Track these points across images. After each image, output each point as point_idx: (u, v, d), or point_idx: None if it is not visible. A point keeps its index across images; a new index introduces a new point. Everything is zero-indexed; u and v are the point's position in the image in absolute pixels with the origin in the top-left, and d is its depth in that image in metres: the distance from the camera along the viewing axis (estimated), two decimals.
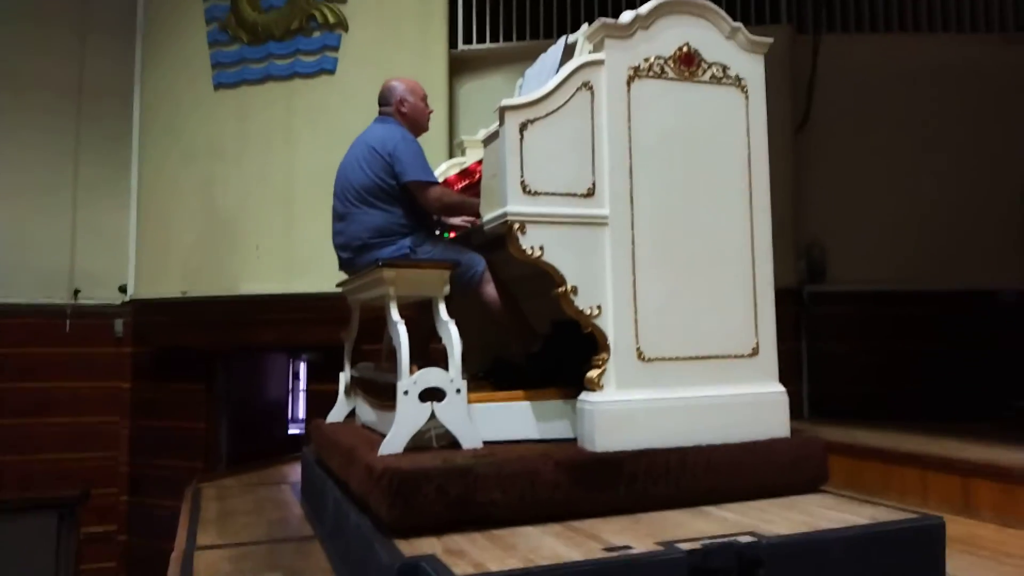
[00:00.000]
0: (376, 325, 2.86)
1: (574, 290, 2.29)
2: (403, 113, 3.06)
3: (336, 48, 5.70)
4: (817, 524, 2.02)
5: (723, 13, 2.55)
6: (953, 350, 5.20)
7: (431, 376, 2.31)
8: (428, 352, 2.91)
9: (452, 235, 3.22)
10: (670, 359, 2.38)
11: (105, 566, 6.33)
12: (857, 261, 5.44)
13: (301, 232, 5.49)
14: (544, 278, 2.33)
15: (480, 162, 2.78)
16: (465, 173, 3.41)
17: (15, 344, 6.38)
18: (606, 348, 2.31)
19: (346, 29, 5.70)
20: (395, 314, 2.47)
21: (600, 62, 2.38)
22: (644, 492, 2.21)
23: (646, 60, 2.43)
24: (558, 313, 2.38)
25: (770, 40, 2.61)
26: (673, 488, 2.24)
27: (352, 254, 2.91)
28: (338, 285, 3.18)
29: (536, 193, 2.28)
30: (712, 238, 2.48)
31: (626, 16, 2.42)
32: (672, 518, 2.13)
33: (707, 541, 1.83)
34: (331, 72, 5.68)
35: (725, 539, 1.85)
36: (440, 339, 2.46)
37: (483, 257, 2.81)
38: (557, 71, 2.54)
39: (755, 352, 2.49)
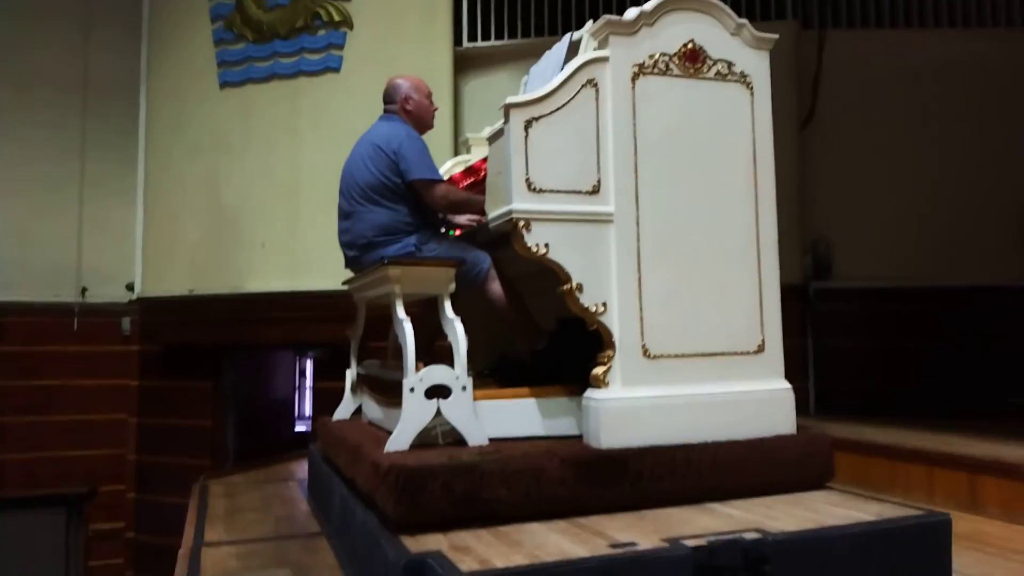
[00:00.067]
0: (382, 323, 2.86)
1: (579, 287, 2.29)
2: (408, 111, 3.06)
3: (341, 46, 5.70)
4: (823, 521, 2.02)
5: (728, 9, 2.55)
6: (957, 346, 5.19)
7: (437, 373, 2.31)
8: (433, 349, 2.92)
9: (457, 233, 3.22)
10: (675, 356, 2.38)
11: (113, 562, 6.36)
12: (862, 257, 5.43)
13: (307, 230, 5.50)
14: (549, 275, 2.33)
15: (485, 159, 2.78)
16: (470, 171, 3.41)
17: (23, 342, 6.42)
18: (611, 345, 2.31)
19: (351, 27, 5.70)
20: (401, 312, 2.48)
21: (605, 59, 2.38)
22: (649, 489, 2.22)
23: (651, 57, 2.43)
24: (563, 310, 2.38)
25: (775, 36, 2.61)
26: (679, 485, 2.25)
27: (358, 252, 2.92)
28: (344, 283, 3.19)
29: (541, 190, 2.29)
30: (717, 235, 2.47)
31: (631, 13, 2.42)
32: (677, 515, 2.14)
33: (712, 538, 1.84)
34: (336, 70, 5.68)
35: (730, 536, 1.86)
36: (446, 336, 2.46)
37: (488, 254, 2.81)
38: (562, 68, 2.54)
39: (761, 349, 2.49)
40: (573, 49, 2.83)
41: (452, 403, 2.31)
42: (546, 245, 2.27)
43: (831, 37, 5.56)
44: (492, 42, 5.85)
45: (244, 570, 2.46)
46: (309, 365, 8.18)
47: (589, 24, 2.66)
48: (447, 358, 2.39)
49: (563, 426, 2.45)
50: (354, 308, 3.29)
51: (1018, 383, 4.96)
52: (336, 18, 5.71)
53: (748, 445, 2.36)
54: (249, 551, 2.67)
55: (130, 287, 6.63)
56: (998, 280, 5.35)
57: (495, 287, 2.79)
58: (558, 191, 2.31)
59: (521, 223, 2.25)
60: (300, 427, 8.17)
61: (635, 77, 2.41)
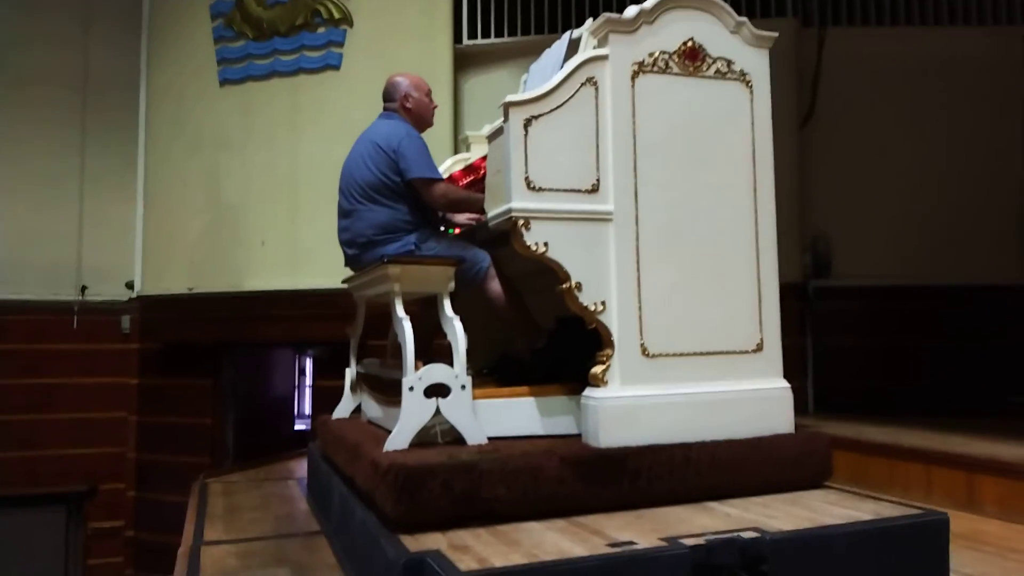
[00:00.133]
0: (382, 321, 2.86)
1: (578, 286, 2.29)
2: (408, 109, 3.06)
3: (341, 44, 5.70)
4: (821, 520, 2.02)
5: (728, 7, 2.55)
6: (957, 345, 5.19)
7: (436, 372, 2.31)
8: (432, 348, 2.92)
9: (457, 231, 3.22)
10: (674, 355, 2.38)
11: (112, 561, 6.37)
12: (862, 255, 5.43)
13: (306, 228, 5.50)
14: (549, 274, 2.33)
15: (485, 158, 2.78)
16: (470, 169, 3.41)
17: (23, 340, 6.43)
18: (610, 344, 2.31)
19: (351, 25, 5.70)
20: (400, 310, 2.48)
21: (604, 57, 2.38)
22: (648, 488, 2.22)
23: (650, 55, 2.43)
24: (563, 309, 2.38)
25: (775, 34, 2.60)
26: (677, 484, 2.25)
27: (358, 251, 2.92)
28: (344, 281, 3.19)
29: (540, 189, 2.29)
30: (716, 233, 2.47)
31: (630, 11, 2.41)
32: (676, 514, 2.14)
33: (711, 537, 1.84)
34: (336, 68, 5.68)
35: (728, 535, 1.86)
36: (445, 335, 2.47)
37: (488, 253, 2.81)
38: (561, 67, 2.53)
39: (759, 348, 2.49)
40: (573, 47, 2.82)
41: (451, 402, 2.31)
42: (545, 244, 2.27)
43: (831, 35, 5.55)
44: (492, 39, 5.85)
45: (243, 569, 2.46)
46: (309, 363, 8.19)
47: (589, 22, 2.66)
48: (446, 357, 2.39)
49: (562, 425, 2.45)
50: (354, 306, 3.29)
51: (1018, 382, 4.96)
52: (336, 16, 5.71)
53: (746, 444, 2.36)
54: (248, 550, 2.67)
55: (130, 285, 6.63)
56: (998, 278, 5.34)
57: (494, 286, 2.79)
58: (557, 190, 2.31)
59: (520, 222, 2.25)
60: (299, 425, 8.19)
61: (635, 75, 2.40)
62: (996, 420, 4.21)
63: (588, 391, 2.34)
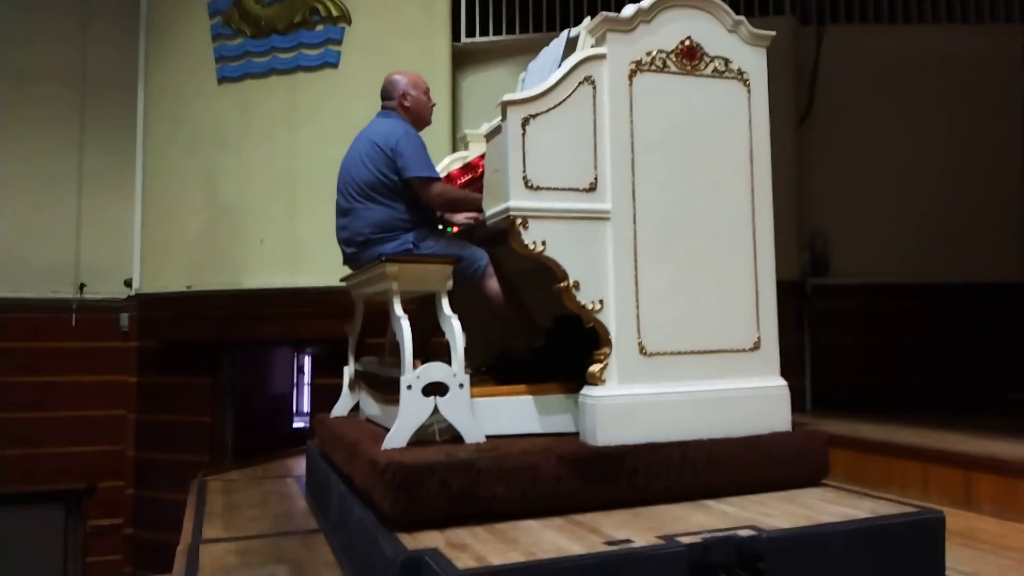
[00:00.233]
0: (380, 319, 2.87)
1: (576, 285, 2.30)
2: (406, 107, 3.06)
3: (339, 41, 5.69)
4: (817, 518, 2.03)
5: (725, 6, 2.55)
6: (955, 342, 5.20)
7: (434, 371, 2.32)
8: (430, 346, 2.92)
9: (455, 230, 3.22)
10: (672, 353, 2.38)
11: (111, 558, 6.38)
12: (860, 253, 5.43)
13: (305, 226, 5.50)
14: (546, 273, 2.34)
15: (483, 156, 2.78)
16: (468, 167, 3.41)
17: (22, 338, 6.43)
18: (608, 342, 2.31)
19: (349, 22, 5.69)
20: (398, 309, 2.48)
21: (602, 56, 2.38)
22: (645, 486, 2.23)
23: (648, 54, 2.43)
24: (560, 307, 2.39)
25: (772, 33, 2.61)
26: (674, 482, 2.26)
27: (356, 249, 2.92)
28: (342, 280, 3.19)
29: (538, 188, 2.29)
30: (714, 232, 2.48)
31: (628, 10, 2.42)
32: (673, 512, 2.14)
33: (707, 535, 1.85)
34: (334, 65, 5.68)
35: (725, 533, 1.87)
36: (443, 333, 2.47)
37: (486, 252, 2.82)
38: (559, 65, 2.53)
39: (756, 346, 2.50)
40: (571, 46, 2.82)
41: (449, 400, 2.32)
42: (543, 242, 2.27)
43: (829, 32, 5.56)
44: (490, 37, 5.84)
45: (242, 566, 2.47)
46: (307, 361, 8.21)
47: (587, 21, 2.66)
48: (444, 355, 2.39)
49: (560, 423, 2.46)
50: (352, 304, 3.29)
51: (1017, 380, 4.96)
52: (334, 13, 5.71)
53: (743, 442, 2.36)
54: (247, 547, 2.68)
55: (128, 283, 6.63)
56: (996, 276, 5.35)
57: (492, 284, 2.80)
58: (555, 188, 2.31)
59: (518, 220, 2.25)
60: (298, 423, 8.19)
61: (632, 74, 2.41)
62: (994, 418, 4.22)
63: (586, 389, 2.34)
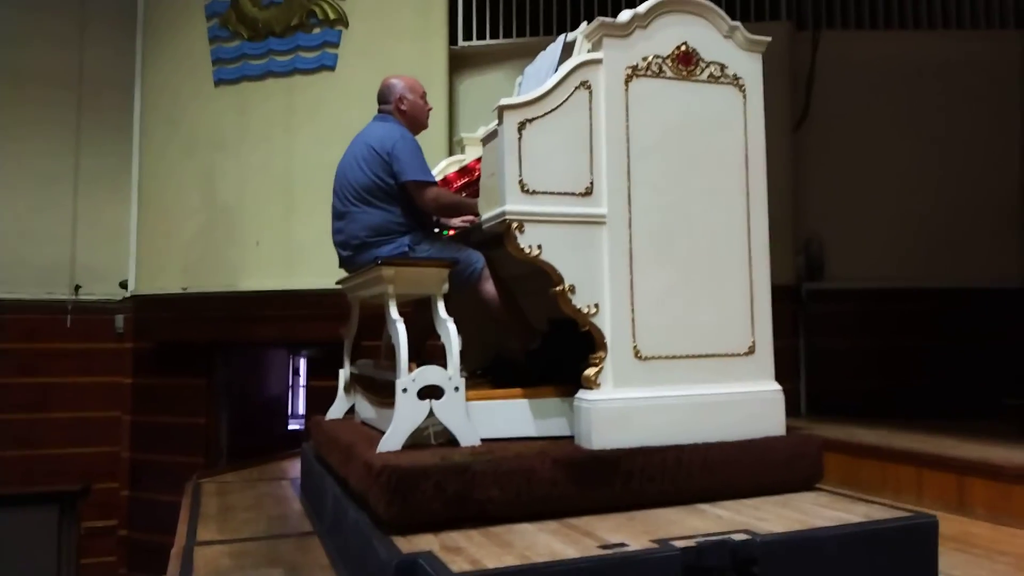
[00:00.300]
0: (376, 322, 2.87)
1: (572, 289, 2.30)
2: (402, 111, 3.06)
3: (336, 44, 5.70)
4: (811, 522, 2.04)
5: (721, 12, 2.56)
6: (951, 347, 5.21)
7: (430, 374, 2.32)
8: (425, 349, 2.93)
9: (451, 233, 3.23)
10: (667, 357, 2.39)
11: (106, 560, 6.36)
12: (855, 258, 5.45)
13: (301, 228, 5.50)
14: (542, 276, 2.34)
15: (479, 159, 2.79)
16: (464, 171, 3.42)
17: (17, 339, 6.41)
18: (603, 346, 2.32)
19: (346, 25, 5.70)
20: (394, 312, 2.49)
21: (598, 61, 2.39)
22: (640, 490, 2.23)
23: (644, 59, 2.44)
24: (556, 311, 2.39)
25: (768, 39, 2.62)
26: (669, 486, 2.26)
27: (352, 252, 2.93)
28: (338, 282, 3.19)
29: (534, 192, 2.30)
30: (709, 237, 2.49)
31: (624, 15, 2.42)
32: (667, 516, 2.15)
33: (702, 539, 1.85)
34: (331, 68, 5.68)
35: (720, 537, 1.87)
36: (439, 337, 2.47)
37: (482, 255, 2.82)
38: (556, 70, 2.54)
39: (751, 351, 2.51)
40: (567, 50, 2.83)
41: (445, 404, 2.32)
42: (539, 246, 2.28)
43: (825, 38, 5.57)
44: (487, 41, 5.86)
45: (236, 569, 2.47)
46: (303, 364, 8.20)
47: (583, 25, 2.67)
48: (440, 358, 2.39)
49: (555, 427, 2.46)
50: (348, 307, 3.29)
51: (1013, 384, 4.98)
52: (331, 16, 5.71)
53: (738, 446, 2.37)
54: (241, 550, 2.68)
55: (124, 284, 6.61)
56: (992, 281, 5.37)
57: (488, 287, 2.80)
58: (551, 193, 2.32)
59: (514, 224, 2.26)
60: (293, 426, 8.17)
61: (628, 79, 2.42)
62: (988, 423, 4.23)
63: (581, 393, 2.35)
